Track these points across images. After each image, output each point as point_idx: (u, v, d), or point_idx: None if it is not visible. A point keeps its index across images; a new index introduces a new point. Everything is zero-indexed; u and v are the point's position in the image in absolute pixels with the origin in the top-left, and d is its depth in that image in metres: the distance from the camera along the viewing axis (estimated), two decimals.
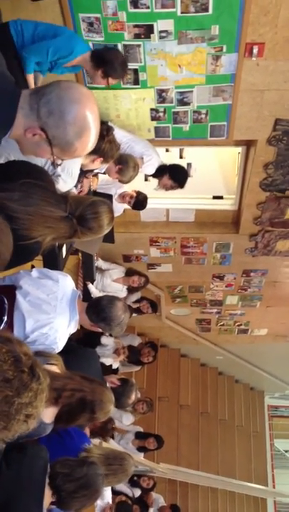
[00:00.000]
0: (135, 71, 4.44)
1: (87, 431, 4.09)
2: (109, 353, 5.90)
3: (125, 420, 6.58)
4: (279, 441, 12.52)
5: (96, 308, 2.94)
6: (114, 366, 5.77)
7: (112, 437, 5.80)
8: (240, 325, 8.80)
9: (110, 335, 6.29)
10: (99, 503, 4.76)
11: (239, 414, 11.10)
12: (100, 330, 3.00)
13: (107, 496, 4.84)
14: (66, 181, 3.30)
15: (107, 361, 5.69)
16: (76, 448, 3.29)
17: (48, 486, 2.52)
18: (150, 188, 5.24)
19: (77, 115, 1.63)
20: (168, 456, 8.30)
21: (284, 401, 12.52)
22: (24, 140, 1.71)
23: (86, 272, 5.70)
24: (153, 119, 4.89)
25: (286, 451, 13.00)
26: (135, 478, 6.71)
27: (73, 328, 2.87)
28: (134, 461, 4.54)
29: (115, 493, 5.90)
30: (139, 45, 4.22)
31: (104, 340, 6.07)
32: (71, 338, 3.00)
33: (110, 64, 3.71)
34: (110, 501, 4.88)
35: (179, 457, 9.00)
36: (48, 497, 2.51)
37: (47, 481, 2.52)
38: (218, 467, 9.75)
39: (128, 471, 3.43)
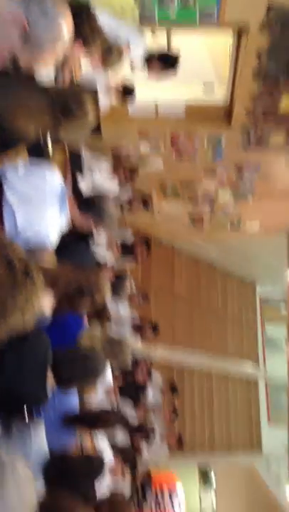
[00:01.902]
0: None
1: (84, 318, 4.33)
2: (102, 249, 6.04)
3: (122, 310, 6.89)
4: (269, 326, 13.10)
5: (88, 204, 3.00)
6: (108, 263, 5.94)
7: (109, 319, 6.05)
8: (233, 220, 8.91)
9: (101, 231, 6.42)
10: (100, 385, 5.14)
11: (232, 305, 11.60)
12: (91, 225, 3.08)
13: (107, 378, 5.19)
14: None
15: (100, 258, 5.85)
16: (75, 335, 3.53)
17: (50, 371, 2.75)
18: (138, 79, 5.06)
19: None
20: (164, 342, 8.76)
21: (274, 291, 12.97)
22: None
23: (74, 167, 5.66)
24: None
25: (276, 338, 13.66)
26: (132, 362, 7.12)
27: (64, 224, 2.95)
28: (131, 346, 4.87)
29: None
30: None
31: (96, 238, 6.20)
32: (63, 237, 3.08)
33: None
34: (111, 383, 5.25)
35: (175, 344, 9.51)
36: (50, 380, 2.74)
37: (49, 365, 2.74)
38: (212, 353, 10.34)
39: (127, 354, 3.70)
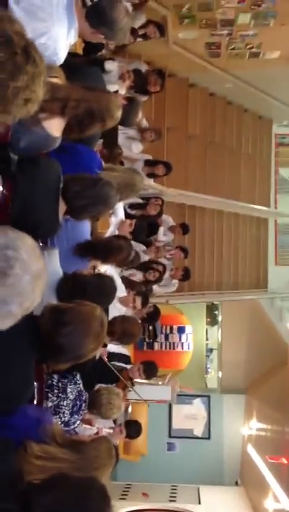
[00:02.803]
0: None
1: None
2: (114, 80, 5.69)
3: (135, 148, 6.71)
4: (283, 169, 12.91)
5: (96, 11, 2.68)
6: (121, 92, 5.61)
7: (122, 163, 5.93)
8: (252, 47, 8.29)
9: (114, 60, 6.00)
10: (113, 219, 5.15)
11: (246, 143, 11.25)
12: (102, 37, 2.79)
13: (120, 213, 5.19)
14: None
15: (112, 88, 5.52)
16: (87, 166, 3.41)
17: (62, 198, 2.69)
18: None
19: None
20: (176, 183, 8.68)
21: None
22: None
23: None
24: None
25: None
26: (144, 200, 7.10)
27: (73, 38, 2.68)
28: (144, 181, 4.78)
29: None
30: None
31: (108, 66, 5.79)
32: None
33: None
34: (123, 217, 5.25)
35: (187, 184, 9.42)
36: (62, 206, 2.70)
37: (60, 192, 2.67)
38: (224, 191, 10.29)
39: (138, 186, 3.63)
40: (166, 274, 7.76)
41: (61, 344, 2.14)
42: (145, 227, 5.69)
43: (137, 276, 6.26)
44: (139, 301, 5.21)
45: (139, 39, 6.33)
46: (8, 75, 1.29)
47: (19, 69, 1.31)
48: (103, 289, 3.02)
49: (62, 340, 2.13)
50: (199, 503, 9.82)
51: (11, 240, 1.37)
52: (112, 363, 4.69)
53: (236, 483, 10.82)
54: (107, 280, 3.13)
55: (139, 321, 5.52)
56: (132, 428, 5.10)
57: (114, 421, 4.87)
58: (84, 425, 3.85)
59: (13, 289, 1.37)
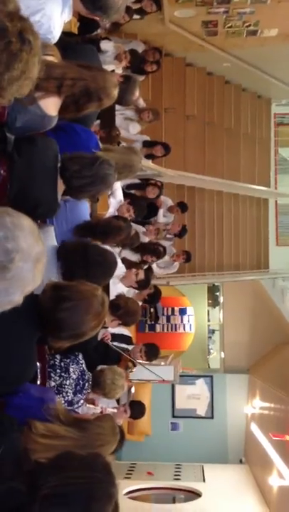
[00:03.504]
0: None
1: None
2: (110, 60, 5.64)
3: (132, 129, 6.68)
4: (283, 149, 12.84)
5: None
6: (117, 71, 5.56)
7: (120, 144, 5.90)
8: (249, 25, 8.18)
9: (110, 40, 5.95)
10: (112, 200, 5.15)
11: (245, 123, 11.16)
12: (97, 18, 2.77)
13: (118, 194, 5.18)
14: None
15: (108, 67, 5.47)
16: (84, 145, 3.39)
17: (60, 177, 2.68)
18: None
19: None
20: (175, 164, 8.65)
21: None
22: None
23: None
24: None
25: None
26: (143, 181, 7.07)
27: (67, 16, 2.65)
28: (142, 162, 4.76)
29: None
30: None
31: (104, 45, 5.76)
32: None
33: None
34: (122, 199, 5.24)
35: (186, 164, 9.39)
36: (60, 185, 2.69)
37: (58, 171, 2.66)
38: (223, 172, 10.25)
39: (136, 166, 3.61)
40: (167, 257, 7.76)
41: (61, 319, 2.14)
42: (144, 208, 5.68)
43: (133, 258, 6.23)
44: (142, 273, 5.20)
45: (135, 16, 6.25)
46: (4, 66, 1.28)
47: (14, 57, 1.30)
48: (105, 261, 3.01)
49: (62, 315, 2.13)
50: (204, 481, 9.95)
51: (9, 230, 1.35)
52: (114, 343, 4.71)
53: (240, 461, 10.94)
54: (110, 254, 3.12)
55: (140, 303, 5.53)
56: (136, 408, 5.15)
57: (118, 401, 4.91)
58: (87, 405, 3.88)
59: (15, 281, 1.37)
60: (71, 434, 2.16)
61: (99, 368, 3.91)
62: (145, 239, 6.77)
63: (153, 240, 6.95)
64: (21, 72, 1.37)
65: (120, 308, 4.15)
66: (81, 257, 2.73)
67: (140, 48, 6.85)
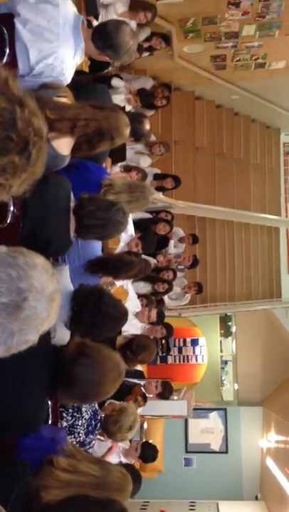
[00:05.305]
0: None
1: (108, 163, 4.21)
2: (121, 97, 5.73)
3: (143, 163, 6.71)
4: None
5: (102, 35, 2.73)
6: (127, 109, 5.64)
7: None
8: (257, 58, 8.31)
9: (121, 78, 6.05)
10: (123, 235, 5.14)
11: (255, 153, 11.23)
12: (108, 59, 2.83)
13: (130, 228, 5.18)
14: None
15: (120, 103, 5.55)
16: (96, 182, 3.42)
17: (73, 214, 2.69)
18: None
19: None
20: (186, 195, 8.68)
21: None
22: None
23: (89, 6, 5.19)
24: None
25: None
26: (154, 214, 7.09)
27: (79, 58, 2.72)
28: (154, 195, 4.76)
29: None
30: None
31: (114, 82, 5.86)
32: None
33: None
34: (133, 234, 5.24)
35: (196, 195, 9.42)
36: (73, 223, 2.69)
37: (72, 208, 2.68)
38: (233, 202, 10.26)
39: (148, 198, 3.62)
40: (178, 289, 7.73)
41: (75, 374, 2.14)
42: (154, 242, 5.67)
43: (144, 290, 6.21)
44: (154, 314, 5.21)
45: (145, 53, 6.36)
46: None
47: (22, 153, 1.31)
48: (115, 315, 2.93)
49: (77, 370, 2.13)
50: None
51: (22, 269, 1.35)
52: (125, 378, 4.65)
53: (256, 498, 10.64)
54: (121, 307, 3.01)
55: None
56: (148, 451, 4.97)
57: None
58: (98, 436, 3.80)
59: (29, 320, 1.36)
60: (92, 470, 2.13)
61: (107, 403, 3.85)
62: None
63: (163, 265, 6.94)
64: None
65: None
66: (94, 304, 2.70)
67: (149, 84, 6.94)
